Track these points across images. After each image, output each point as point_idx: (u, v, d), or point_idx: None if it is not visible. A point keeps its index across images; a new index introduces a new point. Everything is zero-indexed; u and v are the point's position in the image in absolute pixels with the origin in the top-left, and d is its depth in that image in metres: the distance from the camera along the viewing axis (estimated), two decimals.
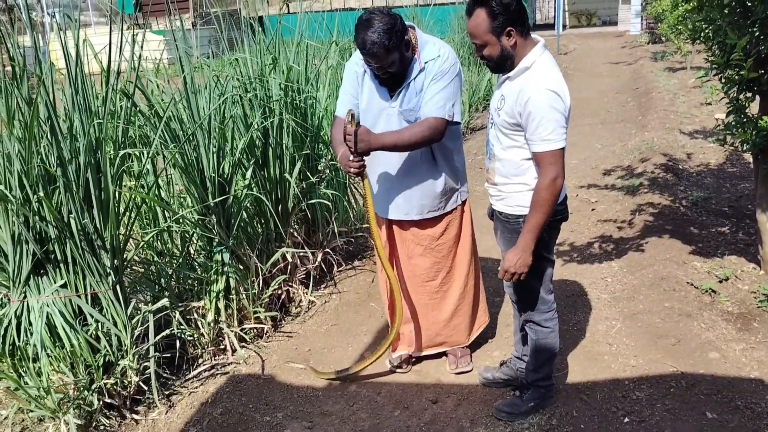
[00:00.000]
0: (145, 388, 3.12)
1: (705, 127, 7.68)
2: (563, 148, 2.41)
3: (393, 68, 2.76)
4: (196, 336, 3.45)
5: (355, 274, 4.55)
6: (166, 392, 3.25)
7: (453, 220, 3.12)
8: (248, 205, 3.89)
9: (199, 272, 3.58)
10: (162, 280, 3.49)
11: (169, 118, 3.40)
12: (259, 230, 4.01)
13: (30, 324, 2.91)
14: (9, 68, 2.92)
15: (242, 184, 3.79)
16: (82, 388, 2.90)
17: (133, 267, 3.54)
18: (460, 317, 3.26)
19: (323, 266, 4.45)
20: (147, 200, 3.48)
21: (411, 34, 2.81)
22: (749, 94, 3.69)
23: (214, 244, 3.56)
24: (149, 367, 3.08)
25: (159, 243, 3.71)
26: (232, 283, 3.56)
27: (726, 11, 3.51)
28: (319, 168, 4.32)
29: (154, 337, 3.10)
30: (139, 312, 3.14)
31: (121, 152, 3.12)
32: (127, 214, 3.24)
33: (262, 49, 4.09)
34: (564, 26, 22.13)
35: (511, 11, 2.38)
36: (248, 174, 3.78)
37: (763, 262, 3.98)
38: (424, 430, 2.92)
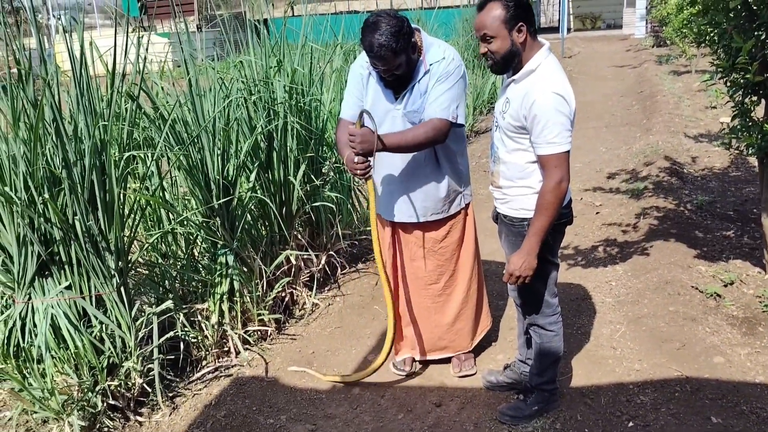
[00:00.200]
0: (149, 390, 3.12)
1: (710, 131, 7.67)
2: (568, 152, 2.41)
3: (399, 71, 2.76)
4: (199, 338, 3.45)
5: (359, 276, 4.55)
6: (170, 394, 3.25)
7: (456, 223, 3.11)
8: (252, 207, 3.89)
9: (203, 274, 3.59)
10: (166, 282, 3.50)
11: (173, 121, 3.41)
12: (263, 233, 4.01)
13: (34, 325, 2.91)
14: (15, 70, 2.93)
15: (246, 187, 3.79)
16: (86, 390, 2.90)
17: (138, 269, 3.54)
18: (463, 321, 3.25)
19: (327, 269, 4.45)
20: (151, 202, 3.48)
21: (417, 36, 2.82)
22: (755, 98, 3.68)
23: (219, 246, 3.57)
24: (153, 369, 3.08)
25: (163, 245, 3.72)
26: (236, 285, 3.56)
27: (731, 15, 3.51)
28: (323, 171, 4.32)
29: (158, 339, 3.10)
30: (143, 314, 3.15)
31: (126, 154, 3.12)
32: (132, 216, 3.25)
33: (267, 52, 4.09)
34: (568, 29, 22.15)
35: (523, 6, 2.41)
36: (252, 176, 3.78)
37: None
38: None
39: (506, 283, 2.64)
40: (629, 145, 7.56)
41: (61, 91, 3.00)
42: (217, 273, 3.52)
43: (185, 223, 3.59)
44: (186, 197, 3.85)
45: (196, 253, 3.81)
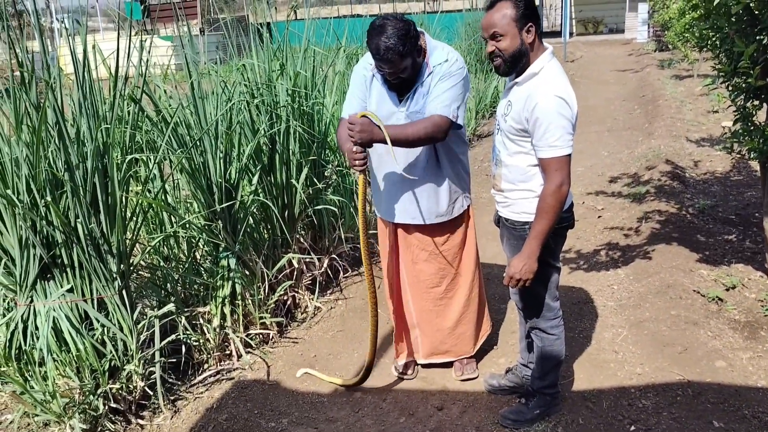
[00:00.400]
0: (151, 393, 3.12)
1: (712, 135, 7.67)
2: (569, 155, 2.41)
3: (405, 74, 2.77)
4: (201, 341, 3.45)
5: (361, 280, 4.55)
6: (172, 397, 3.25)
7: (458, 227, 3.11)
8: (255, 210, 3.90)
9: (205, 277, 3.59)
10: (168, 285, 3.50)
11: (176, 124, 3.42)
12: (266, 236, 4.02)
13: (36, 328, 2.92)
14: (18, 73, 2.93)
15: (249, 190, 3.80)
16: (87, 393, 2.90)
17: (140, 272, 3.55)
18: (465, 325, 3.25)
19: (329, 272, 4.45)
20: (154, 205, 3.48)
21: (421, 39, 2.82)
22: (756, 102, 3.68)
23: (221, 249, 3.57)
24: (155, 372, 3.08)
25: (165, 248, 3.72)
26: (238, 288, 3.56)
27: (733, 19, 3.51)
28: (325, 174, 4.32)
29: (160, 342, 3.10)
30: (145, 317, 3.15)
31: (129, 157, 3.13)
32: (134, 219, 3.25)
33: (270, 55, 4.10)
34: (571, 34, 22.17)
35: (532, 8, 2.44)
36: (255, 179, 3.79)
37: None
38: None
39: (508, 287, 2.64)
40: (631, 149, 7.56)
41: (63, 94, 3.01)
42: (219, 276, 3.52)
43: (187, 226, 3.59)
44: (188, 200, 3.85)
45: (198, 256, 3.82)
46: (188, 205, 3.84)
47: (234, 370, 3.52)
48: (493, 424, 2.94)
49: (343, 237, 4.45)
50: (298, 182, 3.95)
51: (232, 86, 3.89)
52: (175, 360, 3.36)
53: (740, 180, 6.03)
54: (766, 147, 3.55)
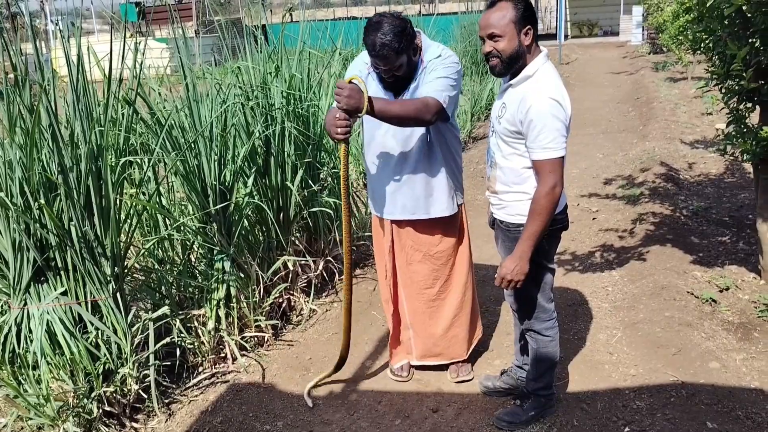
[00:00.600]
0: (145, 396, 3.11)
1: (705, 137, 7.70)
2: (563, 157, 2.42)
3: (400, 72, 2.78)
4: (196, 344, 3.44)
5: (356, 282, 4.54)
6: (166, 401, 3.24)
7: (452, 228, 3.11)
8: (249, 213, 3.89)
9: (200, 280, 3.58)
10: (162, 287, 3.49)
11: (170, 126, 3.41)
12: (261, 238, 4.01)
13: (30, 331, 2.90)
14: (12, 75, 2.93)
15: (243, 192, 3.80)
16: (81, 396, 2.89)
17: (134, 275, 3.54)
18: (458, 328, 3.24)
19: (325, 274, 4.45)
20: (148, 208, 3.48)
21: (417, 38, 2.84)
22: (749, 105, 3.70)
23: (215, 252, 3.56)
24: (149, 375, 3.07)
25: (160, 251, 3.71)
26: (233, 291, 3.56)
27: (726, 22, 3.53)
28: (321, 176, 4.32)
29: (154, 345, 3.10)
30: (139, 320, 3.14)
31: (123, 160, 3.12)
32: (128, 221, 3.24)
33: (265, 58, 4.10)
34: (566, 36, 22.23)
35: (531, 10, 2.45)
36: (249, 182, 3.78)
37: (763, 272, 3.97)
38: None
39: (501, 288, 2.65)
40: (626, 151, 7.58)
41: (57, 97, 3.00)
42: (214, 279, 3.52)
43: (182, 228, 3.59)
44: (183, 203, 3.85)
45: (193, 259, 3.81)
46: (182, 207, 3.84)
47: (229, 372, 3.51)
48: (489, 425, 2.95)
49: (338, 239, 4.45)
50: (293, 184, 3.95)
51: (226, 88, 3.89)
52: (169, 363, 3.35)
53: (734, 182, 6.05)
54: (758, 149, 3.56)
